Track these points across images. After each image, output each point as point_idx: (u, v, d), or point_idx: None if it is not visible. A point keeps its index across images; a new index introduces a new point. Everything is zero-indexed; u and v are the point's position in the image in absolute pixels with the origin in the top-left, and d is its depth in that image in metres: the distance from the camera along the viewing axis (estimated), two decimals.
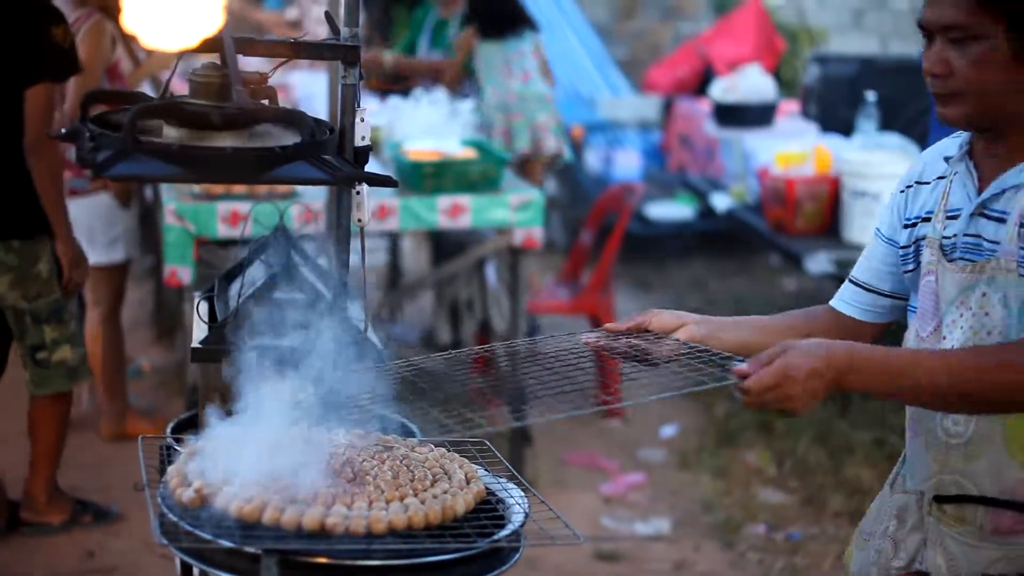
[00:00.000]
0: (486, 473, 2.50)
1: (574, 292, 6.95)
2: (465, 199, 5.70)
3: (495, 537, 2.23)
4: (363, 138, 2.69)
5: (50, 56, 4.66)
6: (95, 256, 5.56)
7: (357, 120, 2.69)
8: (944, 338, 2.34)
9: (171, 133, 2.40)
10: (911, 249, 2.46)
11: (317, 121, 2.53)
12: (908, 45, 12.46)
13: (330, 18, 2.78)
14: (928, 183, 2.47)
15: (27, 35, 4.60)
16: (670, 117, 10.49)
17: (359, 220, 2.78)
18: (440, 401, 2.33)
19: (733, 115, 8.87)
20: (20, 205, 4.76)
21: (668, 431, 6.38)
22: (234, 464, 2.31)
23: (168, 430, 3.35)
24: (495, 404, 5.56)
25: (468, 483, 2.39)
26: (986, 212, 2.32)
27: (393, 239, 8.27)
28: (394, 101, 6.82)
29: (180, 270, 5.43)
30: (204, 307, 3.31)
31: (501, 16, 7.78)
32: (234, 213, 5.39)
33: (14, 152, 4.70)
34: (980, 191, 2.34)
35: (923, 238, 2.42)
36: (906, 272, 2.47)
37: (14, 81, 4.63)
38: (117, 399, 6.01)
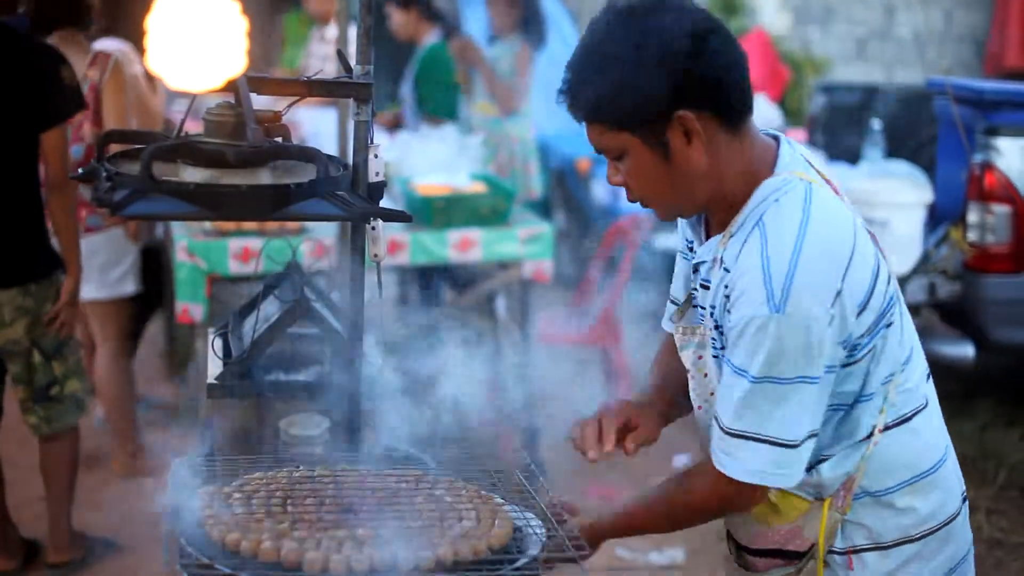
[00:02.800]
0: (508, 505, 2.52)
1: (584, 324, 6.96)
2: (475, 233, 5.73)
3: (516, 565, 2.26)
4: (377, 174, 2.72)
5: (62, 97, 4.70)
6: (106, 291, 5.69)
7: (370, 156, 2.71)
8: (692, 376, 2.48)
9: (187, 172, 2.43)
10: None
11: (331, 158, 2.56)
12: (912, 73, 12.52)
13: (342, 56, 2.81)
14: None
15: (40, 80, 4.65)
16: None
17: (375, 255, 2.80)
18: None
19: None
20: (35, 248, 4.80)
21: (682, 460, 6.37)
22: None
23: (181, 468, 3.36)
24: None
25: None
26: (700, 271, 2.41)
27: (403, 273, 8.28)
28: (403, 136, 6.85)
29: (192, 307, 5.45)
30: (219, 343, 3.32)
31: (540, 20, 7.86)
32: (246, 250, 5.41)
33: (27, 196, 4.73)
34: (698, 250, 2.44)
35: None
36: None
37: (30, 126, 4.67)
38: (128, 436, 6.01)
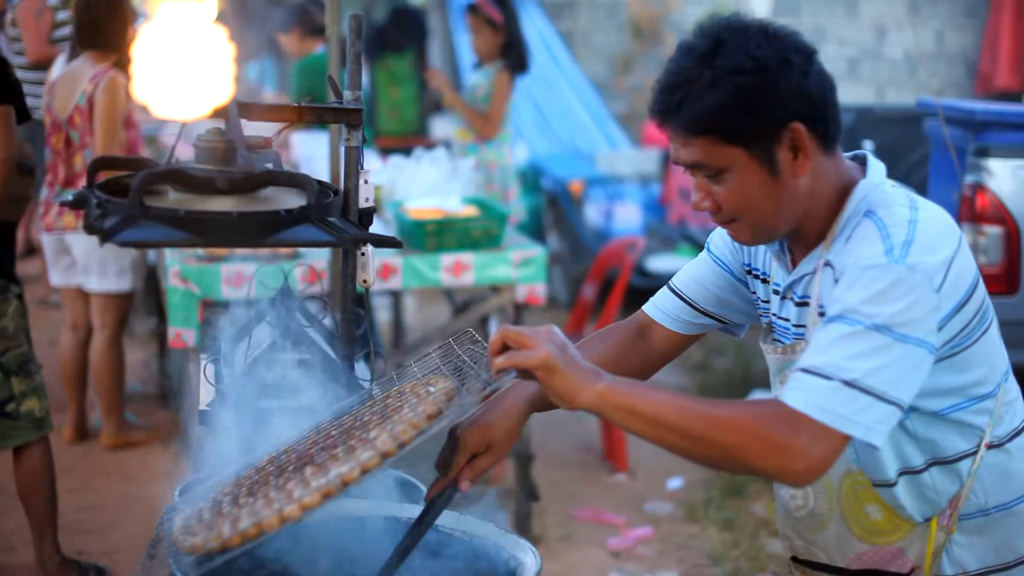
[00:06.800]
0: (495, 528, 2.50)
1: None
2: (467, 256, 5.72)
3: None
4: (367, 200, 2.72)
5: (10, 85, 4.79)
6: (106, 284, 6.39)
7: (360, 182, 2.71)
8: None
9: (177, 198, 2.43)
10: (756, 296, 2.54)
11: (321, 183, 2.56)
12: (903, 94, 12.56)
13: (332, 82, 2.81)
14: None
15: None
16: (669, 170, 10.53)
17: (364, 281, 2.80)
18: None
19: None
20: None
21: (675, 484, 6.37)
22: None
23: (176, 493, 3.34)
24: None
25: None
26: (792, 296, 2.37)
27: (396, 297, 8.27)
28: (395, 160, 6.86)
29: (185, 332, 5.44)
30: (211, 369, 3.31)
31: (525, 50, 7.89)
32: (238, 274, 5.40)
33: None
34: (791, 272, 2.39)
35: (767, 302, 2.49)
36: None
37: None
38: (115, 413, 6.60)
